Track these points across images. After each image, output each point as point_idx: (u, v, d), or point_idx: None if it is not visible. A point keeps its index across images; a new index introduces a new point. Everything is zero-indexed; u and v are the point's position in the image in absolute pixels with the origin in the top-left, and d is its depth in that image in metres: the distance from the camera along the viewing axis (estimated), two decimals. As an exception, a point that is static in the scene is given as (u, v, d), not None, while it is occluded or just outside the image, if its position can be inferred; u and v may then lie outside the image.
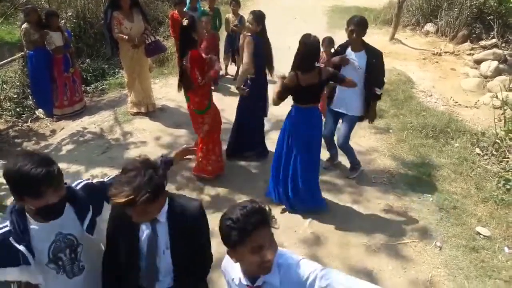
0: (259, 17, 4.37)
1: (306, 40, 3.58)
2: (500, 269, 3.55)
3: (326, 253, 3.71)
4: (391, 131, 5.78)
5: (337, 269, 3.49)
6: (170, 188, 4.48)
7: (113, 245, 2.00)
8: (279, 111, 4.06)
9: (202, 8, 7.25)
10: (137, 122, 5.98)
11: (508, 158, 4.91)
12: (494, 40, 9.18)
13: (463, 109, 6.67)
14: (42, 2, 8.80)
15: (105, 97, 7.09)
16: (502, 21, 9.45)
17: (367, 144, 5.45)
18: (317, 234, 3.91)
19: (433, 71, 8.32)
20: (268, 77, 4.79)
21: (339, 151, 4.82)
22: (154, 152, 5.20)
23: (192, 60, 3.97)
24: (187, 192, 4.47)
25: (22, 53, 6.64)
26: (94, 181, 2.07)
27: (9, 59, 7.02)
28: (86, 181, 2.04)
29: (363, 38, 4.16)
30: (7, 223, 1.79)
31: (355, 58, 4.16)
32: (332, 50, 5.25)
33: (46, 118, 6.34)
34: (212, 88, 4.77)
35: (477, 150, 5.22)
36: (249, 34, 4.44)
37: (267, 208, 1.55)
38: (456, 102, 6.91)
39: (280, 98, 3.76)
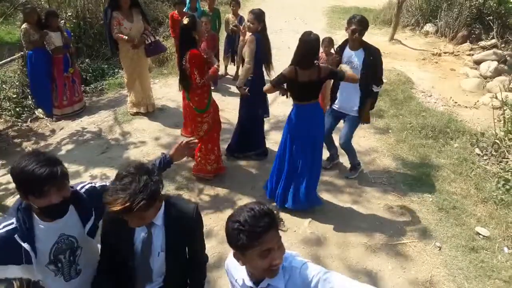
0: (259, 15, 4.37)
1: (306, 37, 3.58)
2: (500, 269, 3.56)
3: (326, 253, 3.71)
4: (390, 131, 5.78)
5: (336, 269, 3.52)
6: (170, 188, 4.49)
7: (108, 244, 2.00)
8: (279, 111, 4.06)
9: (202, 9, 7.25)
10: (137, 122, 5.98)
11: (507, 158, 4.91)
12: (493, 41, 9.18)
13: (463, 110, 6.67)
14: (42, 2, 8.80)
15: (104, 97, 7.09)
16: (502, 21, 9.46)
17: (367, 144, 5.45)
18: (317, 234, 3.91)
19: (433, 72, 8.33)
20: (266, 77, 4.79)
21: (339, 151, 4.82)
22: (153, 152, 5.21)
23: (191, 59, 3.97)
24: (186, 192, 4.47)
25: (22, 53, 6.63)
26: (97, 184, 2.06)
27: (9, 59, 7.02)
28: (90, 184, 2.04)
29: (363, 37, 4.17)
30: (13, 220, 1.79)
31: (353, 56, 4.16)
32: (332, 51, 5.27)
33: (46, 118, 6.34)
34: (212, 88, 4.78)
35: (477, 151, 5.22)
36: (250, 33, 4.44)
37: (275, 210, 1.52)
38: (456, 102, 6.91)
39: (274, 85, 3.76)
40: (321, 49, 5.18)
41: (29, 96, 6.59)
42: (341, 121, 4.67)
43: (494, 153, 5.12)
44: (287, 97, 4.00)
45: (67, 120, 6.24)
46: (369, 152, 5.29)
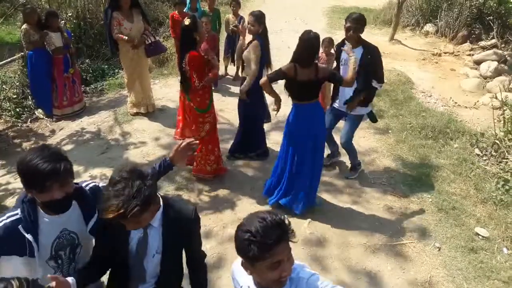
0: (259, 17, 4.37)
1: (306, 36, 3.60)
2: (499, 270, 3.56)
3: (325, 253, 3.71)
4: (390, 131, 5.79)
5: (336, 269, 3.53)
6: (170, 188, 4.50)
7: (102, 241, 1.98)
8: (280, 111, 4.07)
9: (202, 9, 7.25)
10: (137, 123, 5.99)
11: (507, 158, 4.91)
12: (493, 41, 9.19)
13: (463, 110, 6.67)
14: (42, 3, 8.81)
15: (104, 97, 7.10)
16: (502, 21, 9.46)
17: (367, 145, 5.45)
18: (316, 235, 3.92)
19: (433, 72, 8.33)
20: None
21: (341, 150, 4.84)
22: (153, 153, 5.22)
23: (190, 61, 3.97)
24: (186, 192, 4.48)
25: (22, 53, 6.64)
26: (100, 184, 2.07)
27: (9, 60, 7.03)
28: (93, 183, 2.05)
29: (363, 36, 4.17)
30: (18, 211, 1.80)
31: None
32: (332, 51, 5.28)
33: (46, 118, 6.34)
34: (213, 88, 4.78)
35: (477, 151, 5.22)
36: (251, 35, 4.44)
37: (286, 221, 1.46)
38: (456, 102, 6.91)
39: (270, 79, 3.75)
40: (321, 50, 5.20)
41: (29, 97, 6.59)
42: (341, 121, 4.68)
43: (493, 153, 5.12)
44: (277, 111, 4.02)
45: (67, 120, 6.24)
46: (368, 152, 5.29)
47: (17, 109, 6.42)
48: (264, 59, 4.49)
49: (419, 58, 9.01)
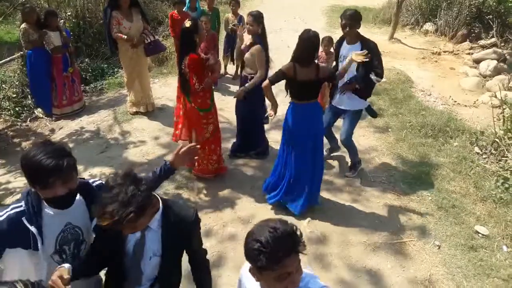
0: (258, 17, 4.38)
1: (305, 35, 3.62)
2: (499, 267, 3.56)
3: (325, 252, 3.71)
4: (390, 130, 5.79)
5: (336, 268, 3.53)
6: (170, 187, 4.49)
7: (99, 240, 1.97)
8: (278, 110, 4.07)
9: (201, 8, 7.25)
10: (136, 122, 5.98)
11: (507, 157, 4.91)
12: (493, 40, 9.19)
13: (462, 108, 6.68)
14: (41, 2, 8.80)
15: (104, 96, 7.09)
16: (501, 20, 9.47)
17: (366, 143, 5.45)
18: (316, 233, 3.92)
19: (432, 70, 8.33)
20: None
21: (342, 149, 4.85)
22: (153, 152, 5.22)
23: (190, 64, 3.95)
24: (186, 191, 4.48)
25: (21, 52, 6.63)
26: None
27: (8, 59, 7.01)
28: (100, 181, 2.05)
29: (363, 33, 4.19)
30: (22, 203, 1.80)
31: (350, 50, 4.18)
32: (332, 50, 5.28)
33: (45, 117, 6.34)
34: (213, 87, 4.77)
35: (476, 149, 5.23)
36: (250, 35, 4.45)
37: (298, 232, 1.42)
38: (455, 101, 6.92)
39: (272, 80, 3.79)
40: (320, 48, 5.21)
41: (29, 96, 6.59)
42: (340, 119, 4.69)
43: (493, 151, 5.12)
44: (272, 117, 4.06)
45: (66, 119, 6.24)
46: (368, 151, 5.29)
47: (17, 108, 6.42)
48: (267, 60, 4.51)
49: (418, 57, 9.01)
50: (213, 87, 4.54)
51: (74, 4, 8.75)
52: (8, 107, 6.39)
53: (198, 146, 2.37)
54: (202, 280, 2.17)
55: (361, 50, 4.06)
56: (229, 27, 7.06)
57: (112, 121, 6.04)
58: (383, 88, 6.95)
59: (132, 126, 5.87)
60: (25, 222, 1.77)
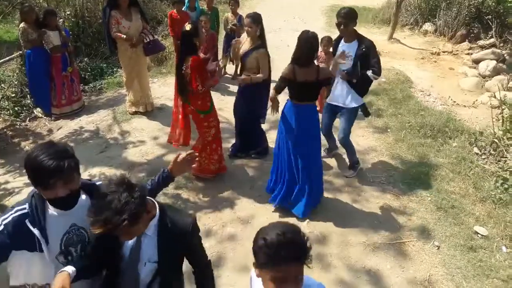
0: (256, 18, 4.38)
1: (304, 36, 3.68)
2: (498, 268, 3.56)
3: (325, 252, 3.71)
4: (389, 130, 5.79)
5: (336, 268, 3.53)
6: (169, 187, 4.46)
7: (97, 242, 1.94)
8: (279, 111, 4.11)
9: (200, 8, 7.25)
10: (136, 121, 5.98)
11: (506, 157, 4.92)
12: (492, 40, 9.20)
13: (462, 109, 6.68)
14: (41, 1, 8.77)
15: (103, 96, 7.08)
16: (500, 20, 9.48)
17: (366, 144, 5.46)
18: (316, 234, 3.92)
19: (432, 71, 8.34)
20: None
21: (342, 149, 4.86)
22: (152, 152, 5.21)
23: (193, 66, 3.96)
24: (185, 191, 4.47)
25: (20, 52, 6.62)
26: None
27: (7, 58, 7.00)
28: (101, 182, 2.03)
29: (360, 32, 4.25)
30: (26, 205, 1.81)
31: (347, 49, 4.23)
32: (331, 50, 5.28)
33: (45, 117, 6.33)
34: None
35: (475, 150, 5.23)
36: (250, 37, 4.46)
37: (308, 244, 1.39)
38: (455, 101, 6.92)
39: (277, 89, 3.88)
40: (320, 48, 5.22)
41: (28, 95, 6.58)
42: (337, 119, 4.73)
43: (492, 152, 5.13)
44: (275, 113, 4.14)
45: (66, 119, 6.23)
46: (368, 151, 5.29)
47: (16, 108, 6.41)
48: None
49: (418, 57, 9.02)
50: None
51: (73, 3, 8.73)
52: (7, 106, 6.38)
53: (197, 153, 2.35)
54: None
55: (358, 48, 4.14)
56: (229, 27, 7.05)
57: (111, 121, 6.04)
58: (383, 88, 6.95)
59: (132, 126, 5.86)
60: (28, 224, 1.77)
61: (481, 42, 9.36)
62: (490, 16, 9.55)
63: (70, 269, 1.75)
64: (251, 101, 4.69)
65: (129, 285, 1.96)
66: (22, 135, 5.93)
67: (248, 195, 4.43)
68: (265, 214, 4.15)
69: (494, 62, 8.07)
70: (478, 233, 3.95)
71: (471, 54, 8.92)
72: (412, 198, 4.45)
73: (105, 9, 5.59)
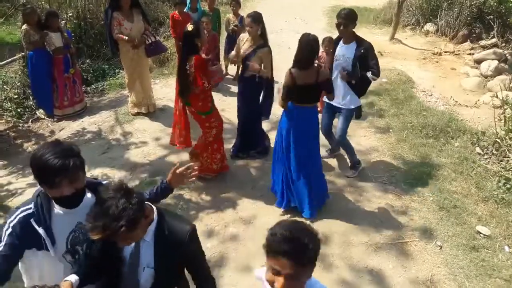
0: (257, 18, 4.39)
1: (305, 38, 3.71)
2: (501, 268, 3.56)
3: (327, 252, 3.71)
4: (391, 130, 5.78)
5: (338, 268, 3.52)
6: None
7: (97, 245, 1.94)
8: (279, 111, 4.10)
9: (202, 9, 7.26)
10: (138, 123, 5.99)
11: (508, 157, 4.91)
12: (494, 40, 9.18)
13: (464, 109, 6.67)
14: (43, 3, 8.80)
15: (105, 97, 7.10)
16: (502, 20, 9.45)
17: (368, 144, 5.45)
18: (318, 234, 3.91)
19: (433, 71, 8.32)
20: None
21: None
22: (154, 153, 5.23)
23: (197, 65, 3.97)
24: (187, 191, 4.48)
25: (23, 53, 6.64)
26: None
27: (10, 60, 7.02)
28: (107, 182, 2.05)
29: (364, 34, 4.22)
30: (32, 205, 1.83)
31: (345, 49, 4.26)
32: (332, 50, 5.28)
33: (47, 118, 6.35)
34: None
35: (478, 150, 5.22)
36: (251, 36, 4.48)
37: (311, 246, 1.41)
38: (456, 101, 6.91)
39: (283, 99, 3.90)
40: (321, 49, 5.23)
41: (30, 97, 6.59)
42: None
43: (495, 152, 5.12)
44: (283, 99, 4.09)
45: (68, 120, 6.25)
46: (369, 151, 5.29)
47: (18, 109, 6.43)
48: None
49: (419, 57, 9.00)
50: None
51: (75, 5, 8.75)
52: (10, 108, 6.40)
53: (196, 167, 2.34)
54: None
55: (356, 49, 4.17)
56: (230, 28, 7.06)
57: (113, 122, 6.05)
58: (384, 88, 6.95)
59: (134, 127, 5.87)
60: (33, 223, 1.79)
61: (482, 42, 9.33)
62: (491, 16, 9.52)
63: (73, 278, 1.77)
64: (251, 101, 4.71)
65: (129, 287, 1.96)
66: (24, 137, 5.95)
67: (250, 195, 4.43)
68: (267, 214, 4.15)
69: (496, 62, 8.04)
70: (480, 233, 3.94)
71: (473, 54, 8.89)
72: (414, 198, 4.44)
73: (107, 10, 5.61)
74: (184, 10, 6.75)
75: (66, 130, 6.00)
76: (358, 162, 4.80)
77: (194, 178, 2.34)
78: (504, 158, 4.96)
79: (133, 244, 1.85)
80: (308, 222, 4.02)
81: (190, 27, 3.98)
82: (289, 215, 4.13)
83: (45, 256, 1.86)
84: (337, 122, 4.68)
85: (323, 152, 4.76)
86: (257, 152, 5.08)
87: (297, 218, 4.05)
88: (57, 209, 1.84)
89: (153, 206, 1.90)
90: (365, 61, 4.18)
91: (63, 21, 7.67)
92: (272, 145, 5.14)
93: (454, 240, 3.87)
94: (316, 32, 3.85)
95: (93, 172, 4.81)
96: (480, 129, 5.61)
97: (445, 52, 9.25)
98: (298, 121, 3.90)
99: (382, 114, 6.17)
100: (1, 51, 7.44)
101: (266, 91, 4.71)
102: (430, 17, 10.67)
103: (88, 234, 1.90)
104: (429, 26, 10.50)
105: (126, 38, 5.46)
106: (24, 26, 5.84)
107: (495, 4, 9.73)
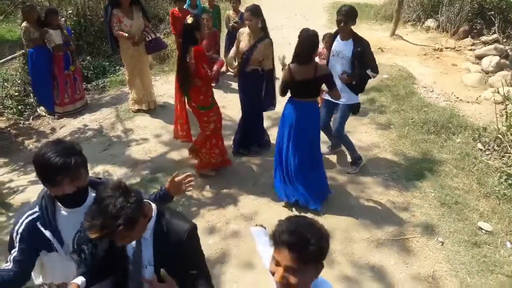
0: (255, 11, 4.38)
1: (304, 34, 3.72)
2: (502, 264, 3.56)
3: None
4: (392, 126, 5.77)
5: (340, 264, 3.52)
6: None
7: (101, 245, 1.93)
8: (280, 107, 4.10)
9: (202, 5, 7.24)
10: (138, 119, 5.99)
11: (510, 153, 4.90)
12: (495, 36, 9.14)
13: (465, 105, 6.65)
14: (42, 0, 8.79)
15: (106, 94, 7.10)
16: (503, 16, 9.41)
17: (369, 140, 5.45)
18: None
19: (434, 67, 8.30)
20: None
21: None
22: (155, 149, 5.22)
23: (196, 55, 3.97)
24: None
25: (23, 51, 6.64)
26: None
27: (10, 57, 7.01)
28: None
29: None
30: (37, 208, 1.84)
31: (342, 46, 4.25)
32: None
33: (48, 116, 6.35)
34: (213, 85, 4.77)
35: (479, 145, 5.21)
36: (252, 30, 4.46)
37: (313, 241, 1.40)
38: (458, 97, 6.89)
39: (282, 91, 3.96)
40: (322, 45, 5.23)
41: (31, 94, 6.60)
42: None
43: (496, 148, 5.11)
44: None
45: (69, 117, 6.25)
46: (371, 147, 5.28)
47: (19, 107, 6.43)
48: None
49: (420, 53, 8.97)
50: (213, 84, 4.55)
51: (75, 2, 8.73)
52: (11, 105, 6.40)
53: (193, 178, 2.33)
54: None
55: (354, 47, 4.17)
56: (230, 25, 7.04)
57: (114, 119, 6.05)
58: (385, 84, 6.93)
59: (134, 124, 5.87)
60: (40, 226, 1.80)
61: (484, 38, 9.30)
62: (492, 12, 9.48)
63: (80, 280, 1.77)
64: (254, 96, 4.70)
65: (134, 286, 1.95)
66: (25, 134, 5.95)
67: (251, 192, 4.43)
68: (269, 211, 4.15)
69: (497, 57, 8.02)
70: (482, 229, 3.94)
71: (474, 50, 8.86)
72: (416, 194, 4.44)
73: (107, 7, 5.59)
74: (184, 7, 6.73)
75: (67, 127, 6.00)
76: (360, 158, 4.80)
77: (191, 188, 2.34)
78: (506, 154, 4.95)
79: (134, 243, 1.85)
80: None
81: (189, 19, 3.98)
82: (293, 208, 4.14)
83: (56, 256, 1.88)
84: (335, 118, 4.68)
85: (324, 148, 4.77)
86: (259, 146, 5.09)
87: (303, 214, 4.06)
88: (62, 210, 1.84)
89: (152, 204, 1.89)
90: (363, 58, 4.18)
91: (63, 18, 7.67)
92: (272, 140, 5.15)
93: (456, 236, 3.86)
94: (316, 28, 3.84)
95: (94, 169, 4.81)
96: (481, 125, 5.60)
97: (446, 48, 9.22)
98: (299, 115, 3.92)
99: (383, 110, 6.16)
100: (1, 49, 7.44)
101: (267, 84, 4.70)
102: (431, 13, 10.63)
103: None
104: (430, 22, 10.46)
105: (126, 35, 5.45)
106: (24, 24, 5.83)
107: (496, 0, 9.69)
